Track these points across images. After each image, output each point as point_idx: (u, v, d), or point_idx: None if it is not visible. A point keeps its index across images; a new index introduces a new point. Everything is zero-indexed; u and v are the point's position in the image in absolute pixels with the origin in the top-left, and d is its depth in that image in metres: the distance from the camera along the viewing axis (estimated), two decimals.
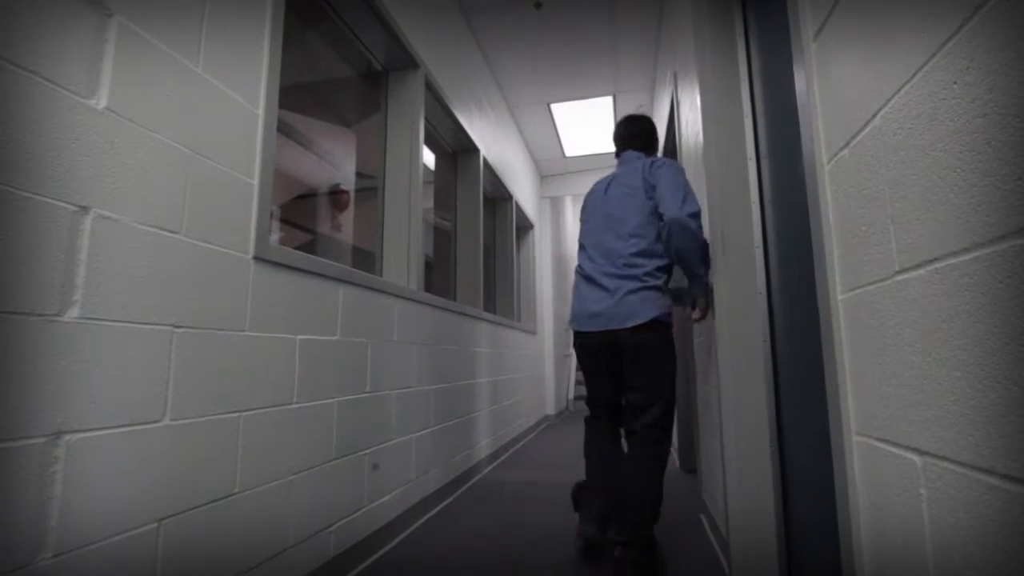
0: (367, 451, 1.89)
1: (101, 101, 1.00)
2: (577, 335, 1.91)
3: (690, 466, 3.22)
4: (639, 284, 1.77)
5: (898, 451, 0.67)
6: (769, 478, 1.59)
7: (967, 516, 0.54)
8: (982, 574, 0.52)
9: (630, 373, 1.78)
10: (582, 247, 1.97)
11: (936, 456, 0.59)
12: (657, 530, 2.01)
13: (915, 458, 0.63)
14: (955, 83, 0.53)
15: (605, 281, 1.82)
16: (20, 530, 0.85)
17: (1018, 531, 0.47)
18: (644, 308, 1.75)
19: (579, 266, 1.96)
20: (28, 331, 0.86)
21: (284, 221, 2.20)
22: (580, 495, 1.90)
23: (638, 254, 1.80)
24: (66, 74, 0.94)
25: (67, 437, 0.92)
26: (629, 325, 1.74)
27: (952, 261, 0.55)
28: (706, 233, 1.81)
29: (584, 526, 1.81)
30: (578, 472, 3.12)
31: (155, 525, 1.08)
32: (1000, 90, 0.47)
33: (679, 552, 1.89)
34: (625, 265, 1.80)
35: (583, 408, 6.52)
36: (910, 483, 0.64)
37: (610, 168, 5.54)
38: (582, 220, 2.04)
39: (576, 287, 1.95)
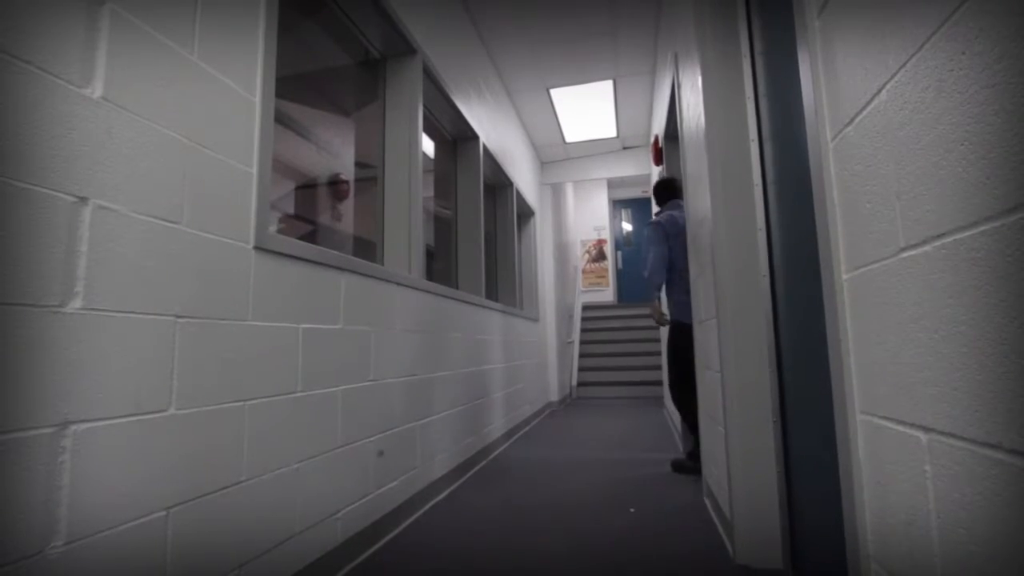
0: (372, 438, 1.91)
1: (96, 90, 0.99)
2: (688, 327, 2.73)
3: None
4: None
5: (903, 429, 0.67)
6: (772, 460, 1.59)
7: (972, 491, 0.54)
8: (987, 548, 0.52)
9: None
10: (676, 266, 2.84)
11: (942, 433, 0.59)
12: (660, 514, 2.16)
13: (920, 435, 0.63)
14: (963, 53, 0.52)
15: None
16: (31, 519, 0.85)
17: None
18: None
19: (680, 275, 2.80)
20: (31, 322, 0.86)
21: (280, 209, 2.19)
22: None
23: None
24: (60, 64, 0.93)
25: (74, 427, 0.92)
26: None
27: (959, 236, 0.54)
28: (709, 216, 1.83)
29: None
30: (580, 455, 3.17)
31: (163, 513, 1.09)
32: (1011, 57, 0.46)
33: (683, 535, 1.91)
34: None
35: (587, 394, 6.55)
36: (915, 460, 0.64)
37: (609, 153, 5.96)
38: (670, 245, 2.85)
39: (683, 293, 2.77)
